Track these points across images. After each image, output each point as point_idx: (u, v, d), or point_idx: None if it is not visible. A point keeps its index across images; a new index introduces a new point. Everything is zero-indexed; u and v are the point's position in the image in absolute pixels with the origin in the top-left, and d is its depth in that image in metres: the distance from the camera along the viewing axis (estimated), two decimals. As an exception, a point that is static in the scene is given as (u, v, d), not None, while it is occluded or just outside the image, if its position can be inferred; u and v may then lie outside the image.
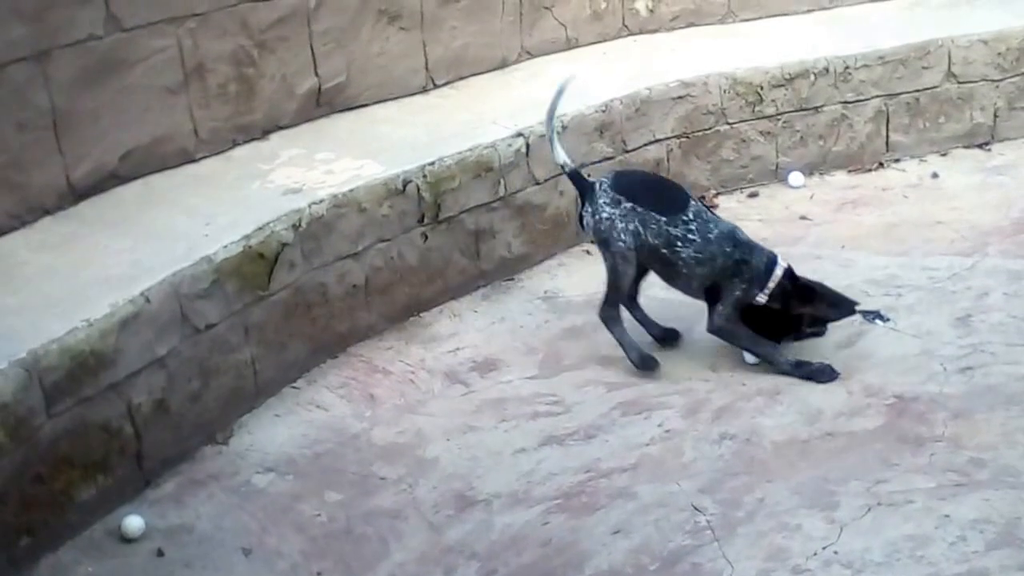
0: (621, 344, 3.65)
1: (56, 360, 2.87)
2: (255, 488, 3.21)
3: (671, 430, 3.38)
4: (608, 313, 3.65)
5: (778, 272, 3.53)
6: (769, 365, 3.60)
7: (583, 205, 3.66)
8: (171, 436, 3.23)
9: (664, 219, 3.55)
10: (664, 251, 3.56)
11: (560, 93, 3.68)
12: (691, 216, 3.55)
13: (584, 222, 3.67)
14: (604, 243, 3.60)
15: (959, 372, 3.55)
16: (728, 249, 3.55)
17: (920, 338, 3.75)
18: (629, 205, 3.55)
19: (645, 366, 3.63)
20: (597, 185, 3.63)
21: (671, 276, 3.66)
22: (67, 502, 2.94)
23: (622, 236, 3.55)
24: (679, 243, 3.54)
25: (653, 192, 3.64)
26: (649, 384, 3.62)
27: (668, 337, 3.81)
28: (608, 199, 3.57)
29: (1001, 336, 3.73)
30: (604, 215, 3.56)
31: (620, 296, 3.66)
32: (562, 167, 3.70)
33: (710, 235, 3.54)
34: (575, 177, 3.71)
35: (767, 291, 3.54)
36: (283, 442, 3.39)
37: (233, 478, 3.24)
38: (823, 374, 3.55)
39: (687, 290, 3.67)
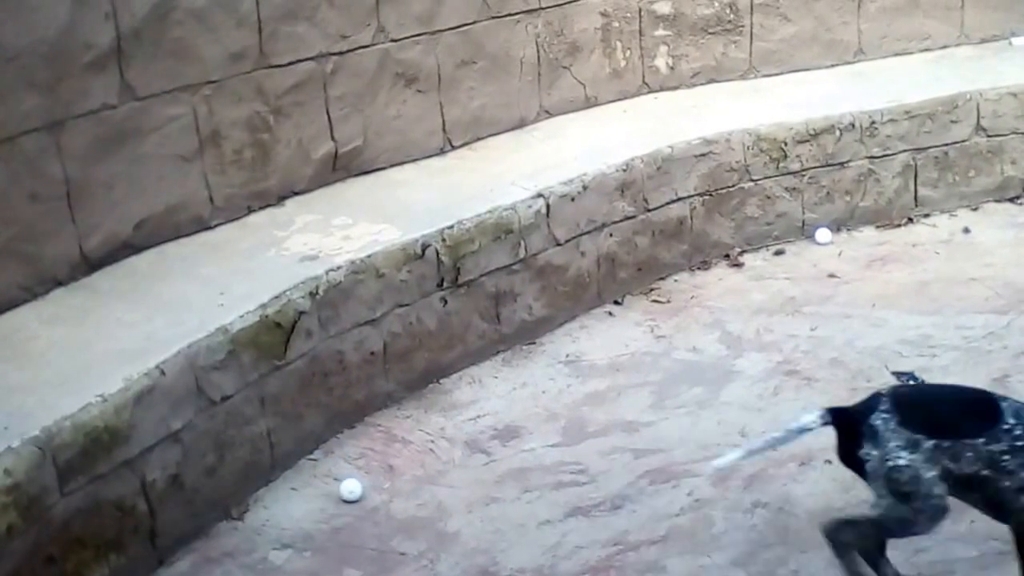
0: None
1: (70, 437, 2.81)
2: (272, 566, 3.13)
3: (701, 499, 3.29)
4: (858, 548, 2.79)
5: None
6: None
7: (855, 442, 2.72)
8: (185, 512, 3.16)
9: (982, 439, 2.64)
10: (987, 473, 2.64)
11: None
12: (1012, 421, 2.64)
13: (867, 467, 2.70)
14: (904, 497, 2.68)
15: (999, 435, 3.44)
16: None
17: (957, 400, 3.66)
18: (932, 443, 2.64)
19: None
20: (878, 422, 2.67)
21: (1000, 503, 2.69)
22: (78, 583, 2.87)
23: (933, 490, 2.65)
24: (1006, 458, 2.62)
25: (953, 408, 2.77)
26: (677, 451, 3.52)
27: None
28: (902, 441, 2.64)
29: (1041, 397, 3.63)
30: (902, 463, 2.64)
31: (882, 544, 2.79)
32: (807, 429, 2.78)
33: None
34: (836, 416, 2.77)
35: None
36: (300, 517, 3.32)
37: (249, 555, 3.17)
38: None
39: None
